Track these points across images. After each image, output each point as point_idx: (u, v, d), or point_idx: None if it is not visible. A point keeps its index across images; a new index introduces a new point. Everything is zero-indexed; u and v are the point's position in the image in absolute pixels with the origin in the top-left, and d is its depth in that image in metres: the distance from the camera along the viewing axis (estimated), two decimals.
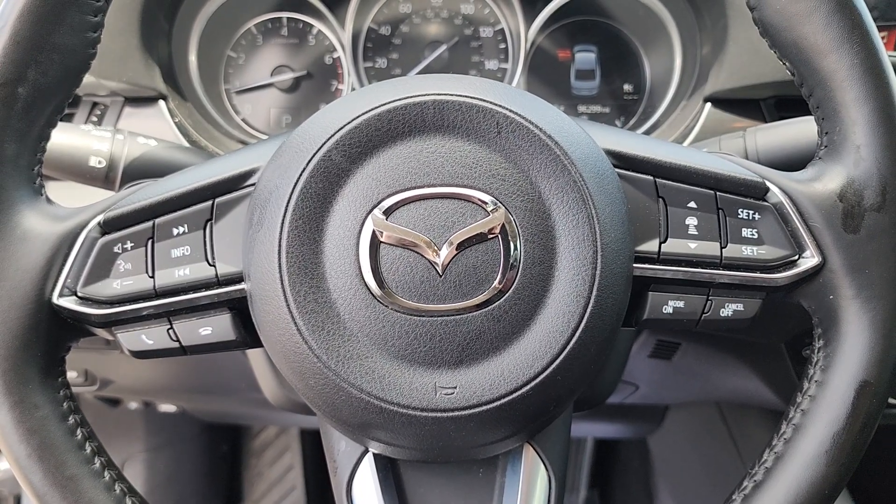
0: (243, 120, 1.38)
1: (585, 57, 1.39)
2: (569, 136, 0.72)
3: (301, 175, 0.69)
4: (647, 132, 1.33)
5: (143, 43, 1.13)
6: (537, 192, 0.70)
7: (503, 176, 0.70)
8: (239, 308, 0.74)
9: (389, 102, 0.70)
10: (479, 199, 0.69)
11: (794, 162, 0.95)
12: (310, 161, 0.70)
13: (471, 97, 0.70)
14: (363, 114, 0.70)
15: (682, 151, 0.80)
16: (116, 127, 1.16)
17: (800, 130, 0.99)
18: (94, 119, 1.17)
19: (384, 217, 0.69)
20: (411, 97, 0.70)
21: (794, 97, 1.15)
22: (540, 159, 0.70)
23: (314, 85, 1.39)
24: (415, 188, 0.69)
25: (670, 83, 1.33)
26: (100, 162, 0.96)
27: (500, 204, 0.69)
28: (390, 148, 0.70)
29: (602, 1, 1.35)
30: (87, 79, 1.14)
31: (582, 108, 1.40)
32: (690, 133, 1.17)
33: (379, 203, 0.69)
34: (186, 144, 1.16)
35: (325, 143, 0.70)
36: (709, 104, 1.18)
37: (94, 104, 1.18)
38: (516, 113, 0.71)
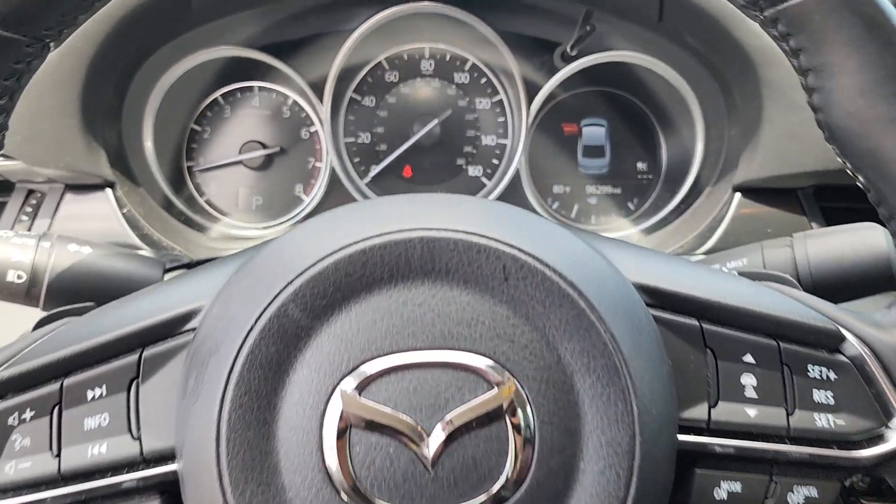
0: (207, 201, 1.22)
1: (594, 132, 1.24)
2: (595, 280, 0.56)
3: (248, 334, 0.53)
4: (667, 219, 1.18)
5: (86, 123, 0.97)
6: (556, 356, 0.54)
7: (512, 336, 0.54)
8: (171, 491, 0.58)
9: (364, 240, 0.54)
10: (481, 368, 0.53)
11: (853, 280, 0.80)
12: (260, 316, 0.53)
13: (470, 233, 0.54)
14: (330, 255, 0.54)
15: (731, 284, 0.64)
16: (54, 217, 1.01)
17: (860, 240, 0.83)
18: (29, 209, 1.01)
19: (356, 392, 0.52)
20: (392, 234, 0.54)
21: (835, 185, 1.01)
22: (560, 314, 0.54)
23: (289, 162, 1.24)
24: (395, 353, 0.53)
25: (691, 165, 1.18)
26: (19, 276, 0.79)
27: (507, 374, 0.53)
28: (364, 300, 0.54)
29: (613, 71, 1.21)
30: (18, 165, 1.00)
31: (590, 189, 1.25)
32: (719, 226, 1.02)
33: (349, 373, 0.53)
34: (134, 239, 1.00)
35: (280, 292, 0.53)
36: (739, 194, 1.03)
37: (30, 191, 1.02)
38: (528, 253, 0.55)
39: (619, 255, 0.63)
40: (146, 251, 1.00)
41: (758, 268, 0.85)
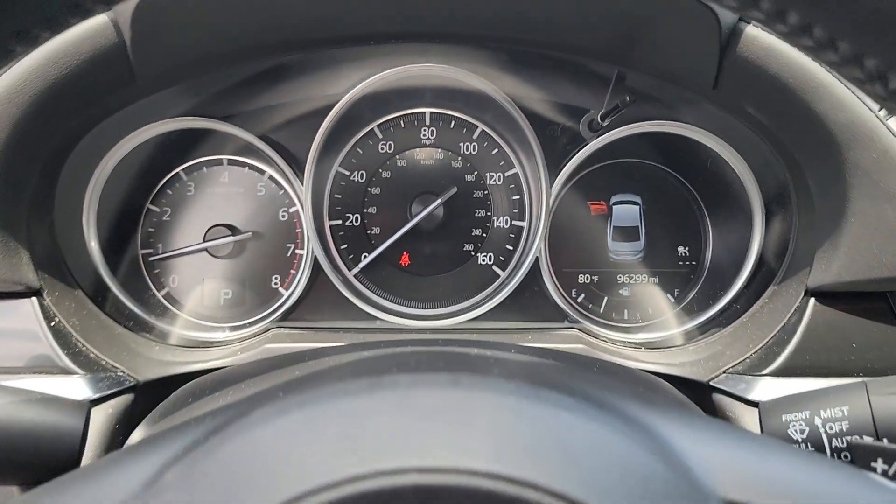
0: (167, 295, 1.02)
1: (626, 210, 1.04)
2: None
3: None
4: (717, 319, 0.98)
5: (1, 220, 0.78)
6: None
7: None
8: None
9: (319, 491, 0.34)
10: None
11: None
12: None
13: (492, 476, 0.34)
14: None
15: (865, 496, 0.45)
16: None
17: None
18: None
19: None
20: (367, 480, 0.34)
21: None
22: None
23: (264, 248, 1.04)
24: None
25: (746, 256, 0.98)
26: None
27: None
28: None
29: (650, 141, 1.01)
30: None
31: (622, 278, 1.05)
32: (791, 338, 0.83)
33: None
34: (63, 359, 0.80)
35: None
36: (814, 299, 0.83)
37: None
38: None
39: (699, 450, 0.43)
40: (78, 376, 0.80)
41: (864, 419, 0.65)
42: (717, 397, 0.85)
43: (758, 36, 0.74)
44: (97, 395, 0.79)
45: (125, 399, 0.82)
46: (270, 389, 0.50)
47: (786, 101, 0.77)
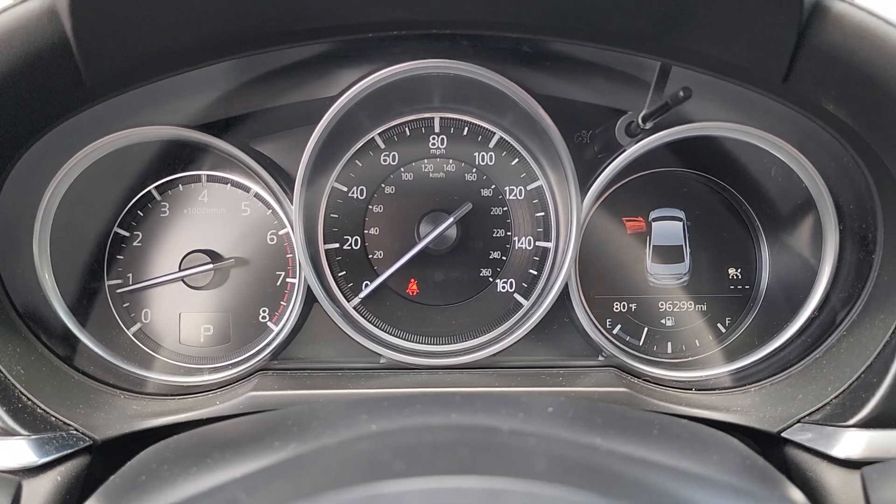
0: (137, 333, 0.89)
1: (668, 227, 0.91)
2: None
3: None
4: (780, 355, 0.84)
5: None
6: None
7: None
8: None
9: None
10: None
11: None
12: None
13: None
14: None
15: None
16: None
17: None
18: None
19: None
20: None
21: None
22: None
23: (249, 277, 0.90)
24: None
25: (815, 280, 0.84)
26: None
27: None
28: None
29: (694, 147, 0.87)
30: None
31: (664, 306, 0.91)
32: (881, 381, 0.70)
33: None
34: (3, 418, 0.66)
35: None
36: None
37: None
38: None
39: None
40: (18, 438, 0.66)
41: None
42: (792, 452, 0.71)
43: (847, 13, 0.60)
44: (42, 461, 0.66)
45: (78, 463, 0.69)
46: None
47: (877, 94, 0.62)
